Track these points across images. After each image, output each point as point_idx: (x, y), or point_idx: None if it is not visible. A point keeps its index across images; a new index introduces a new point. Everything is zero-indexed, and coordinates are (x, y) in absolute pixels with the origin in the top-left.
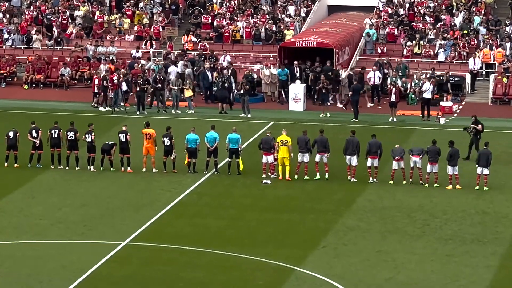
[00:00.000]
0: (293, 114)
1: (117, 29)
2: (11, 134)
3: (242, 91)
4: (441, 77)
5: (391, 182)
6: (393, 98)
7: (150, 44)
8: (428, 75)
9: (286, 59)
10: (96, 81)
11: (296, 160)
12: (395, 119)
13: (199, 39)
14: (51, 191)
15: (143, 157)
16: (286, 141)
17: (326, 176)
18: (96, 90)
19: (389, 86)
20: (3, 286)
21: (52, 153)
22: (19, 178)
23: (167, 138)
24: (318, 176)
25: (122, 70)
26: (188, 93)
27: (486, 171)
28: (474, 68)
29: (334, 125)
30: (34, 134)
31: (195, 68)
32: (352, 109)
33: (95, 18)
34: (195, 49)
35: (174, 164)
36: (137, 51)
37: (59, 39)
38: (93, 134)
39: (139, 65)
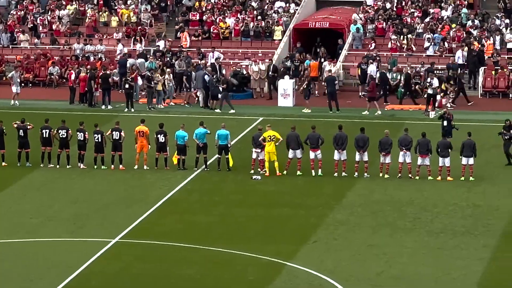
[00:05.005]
0: (283, 109)
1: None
2: None
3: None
4: (453, 74)
5: (387, 176)
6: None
7: (140, 41)
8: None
9: (299, 42)
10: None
11: (287, 156)
12: (367, 112)
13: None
14: (41, 189)
15: (136, 154)
16: (273, 136)
17: (320, 172)
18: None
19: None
20: None
21: (43, 151)
22: (9, 176)
23: (162, 135)
24: (313, 173)
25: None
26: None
27: (471, 161)
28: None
29: (326, 120)
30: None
31: (183, 67)
32: (328, 101)
33: (88, 16)
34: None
35: (167, 161)
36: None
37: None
38: (85, 132)
39: (131, 67)
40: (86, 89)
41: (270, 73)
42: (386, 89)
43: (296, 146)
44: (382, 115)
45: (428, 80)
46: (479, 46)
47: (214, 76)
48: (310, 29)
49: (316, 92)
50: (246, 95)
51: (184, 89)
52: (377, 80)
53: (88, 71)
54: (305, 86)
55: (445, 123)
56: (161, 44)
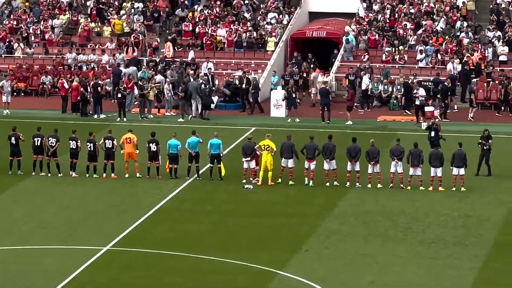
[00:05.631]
0: (275, 120)
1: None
2: None
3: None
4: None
5: (379, 185)
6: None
7: (132, 50)
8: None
9: (295, 51)
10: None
11: (280, 165)
12: (351, 122)
13: (181, 47)
14: (33, 196)
15: (125, 162)
16: (267, 146)
17: (311, 183)
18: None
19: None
20: None
21: (34, 159)
22: (0, 184)
23: (154, 143)
24: (306, 181)
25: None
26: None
27: (462, 172)
28: (453, 73)
29: (316, 130)
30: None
31: (176, 76)
32: (321, 112)
33: (80, 25)
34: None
35: (159, 170)
36: (118, 56)
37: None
38: (78, 141)
39: (127, 76)
40: (78, 98)
41: (244, 86)
42: (409, 99)
43: (289, 155)
44: (359, 125)
45: (415, 91)
46: (473, 58)
47: (207, 86)
48: (307, 38)
49: (299, 100)
50: (238, 106)
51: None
52: (396, 90)
53: (80, 80)
54: (286, 95)
55: (432, 133)
56: (191, 54)
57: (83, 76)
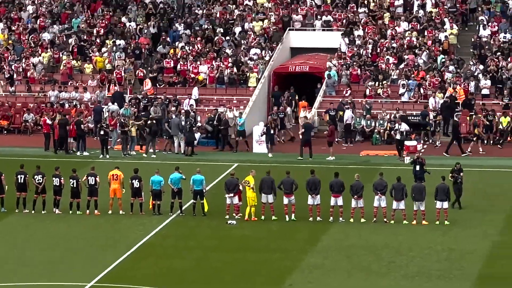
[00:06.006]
0: (257, 155)
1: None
2: None
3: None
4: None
5: (362, 220)
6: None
7: (114, 86)
8: (397, 115)
9: (276, 85)
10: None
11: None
12: (332, 158)
13: (163, 84)
14: (16, 233)
15: (110, 199)
16: (247, 182)
17: (293, 217)
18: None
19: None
20: None
21: (18, 197)
22: None
23: (136, 180)
24: (287, 218)
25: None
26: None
27: (445, 205)
28: (435, 107)
29: (299, 165)
30: None
31: (159, 113)
32: (300, 147)
33: (62, 63)
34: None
35: (142, 206)
36: (99, 93)
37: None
38: (61, 177)
39: (111, 113)
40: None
41: (215, 123)
42: (456, 137)
43: (268, 191)
44: (341, 160)
45: (396, 125)
46: (456, 91)
47: (188, 123)
48: (290, 73)
49: (282, 138)
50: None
51: (164, 136)
52: (379, 125)
53: (61, 117)
54: (265, 131)
55: (417, 167)
56: (194, 91)
57: (64, 114)
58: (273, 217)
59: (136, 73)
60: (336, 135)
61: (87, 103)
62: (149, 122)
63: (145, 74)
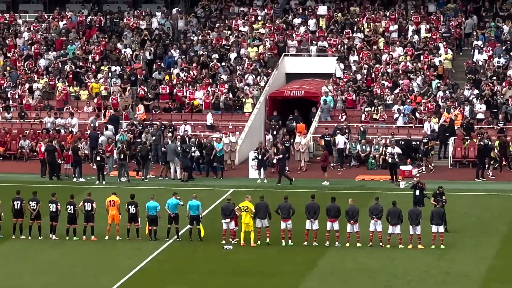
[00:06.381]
0: (253, 181)
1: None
2: None
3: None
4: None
5: (358, 244)
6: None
7: (110, 112)
8: (392, 140)
9: (275, 111)
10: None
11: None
12: (327, 183)
13: (158, 110)
14: (12, 259)
15: (108, 225)
16: (246, 207)
17: (290, 242)
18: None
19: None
20: None
21: (14, 223)
22: None
23: (133, 205)
24: (283, 243)
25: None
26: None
27: (441, 229)
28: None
29: (294, 191)
30: None
31: (153, 138)
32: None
33: (58, 89)
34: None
35: (138, 232)
36: (95, 120)
37: (22, 114)
38: (58, 203)
39: (108, 140)
40: (59, 161)
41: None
42: (483, 161)
43: (263, 216)
44: (337, 185)
45: (389, 150)
46: (451, 116)
47: (185, 148)
48: (285, 98)
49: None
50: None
51: (160, 162)
52: (374, 150)
53: (48, 144)
54: (258, 157)
55: (417, 192)
56: (208, 117)
57: (52, 139)
58: (267, 240)
59: (135, 95)
60: (331, 160)
61: (83, 129)
62: (138, 147)
63: (136, 99)
